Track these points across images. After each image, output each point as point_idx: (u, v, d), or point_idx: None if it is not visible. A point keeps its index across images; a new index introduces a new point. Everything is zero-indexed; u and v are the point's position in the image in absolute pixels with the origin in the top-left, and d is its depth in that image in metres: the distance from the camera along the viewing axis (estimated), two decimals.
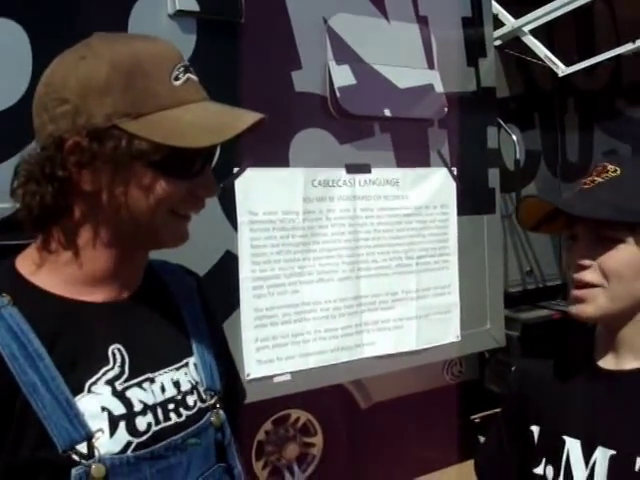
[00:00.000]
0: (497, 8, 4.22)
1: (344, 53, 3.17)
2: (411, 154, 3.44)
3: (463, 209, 3.61)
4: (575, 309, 1.11)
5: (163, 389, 0.97)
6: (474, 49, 3.71)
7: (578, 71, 4.39)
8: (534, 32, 4.30)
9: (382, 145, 3.34)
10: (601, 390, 1.13)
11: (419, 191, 3.45)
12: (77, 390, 0.89)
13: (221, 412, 1.04)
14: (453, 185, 3.58)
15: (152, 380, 0.97)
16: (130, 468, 0.90)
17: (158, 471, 0.93)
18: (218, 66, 2.72)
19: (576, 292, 1.11)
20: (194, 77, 0.94)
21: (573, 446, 1.13)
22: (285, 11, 3.00)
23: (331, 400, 3.64)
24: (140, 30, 2.49)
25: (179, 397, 0.99)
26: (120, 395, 0.92)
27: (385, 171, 3.35)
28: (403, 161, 3.41)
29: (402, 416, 3.97)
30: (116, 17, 2.51)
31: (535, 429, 1.20)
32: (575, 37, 4.81)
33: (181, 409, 0.98)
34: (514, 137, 4.24)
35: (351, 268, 3.24)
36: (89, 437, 0.88)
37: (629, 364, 1.13)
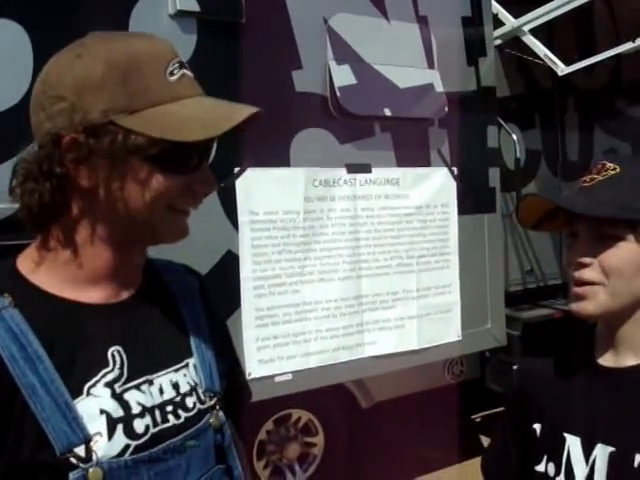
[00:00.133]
0: (497, 7, 4.22)
1: (344, 53, 3.17)
2: (411, 154, 3.45)
3: (464, 208, 3.61)
4: (576, 306, 1.11)
5: (161, 391, 0.97)
6: (474, 49, 3.71)
7: (578, 70, 4.39)
8: (534, 31, 4.30)
9: (382, 145, 3.34)
10: (601, 387, 1.14)
11: (419, 190, 3.46)
12: (76, 393, 0.89)
13: (220, 413, 1.04)
14: (453, 184, 3.58)
15: (151, 382, 0.96)
16: (128, 471, 0.90)
17: (157, 474, 0.92)
18: (219, 66, 2.73)
19: (576, 289, 1.11)
20: (189, 73, 0.95)
21: (573, 443, 1.14)
22: (285, 11, 3.00)
23: (332, 400, 3.64)
24: (141, 30, 2.49)
25: (178, 399, 0.99)
26: (119, 397, 0.92)
27: (385, 171, 3.35)
28: (403, 161, 3.41)
29: (403, 415, 3.98)
30: (117, 17, 2.52)
31: (537, 427, 1.21)
32: (575, 36, 4.81)
33: (180, 411, 0.98)
34: (514, 136, 4.24)
35: (352, 267, 3.24)
36: (87, 440, 0.87)
37: (628, 361, 1.13)
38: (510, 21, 4.29)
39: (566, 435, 1.15)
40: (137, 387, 0.94)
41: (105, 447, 0.88)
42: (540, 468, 1.18)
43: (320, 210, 3.13)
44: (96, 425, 0.89)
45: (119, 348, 0.95)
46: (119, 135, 0.87)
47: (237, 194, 2.88)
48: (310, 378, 3.13)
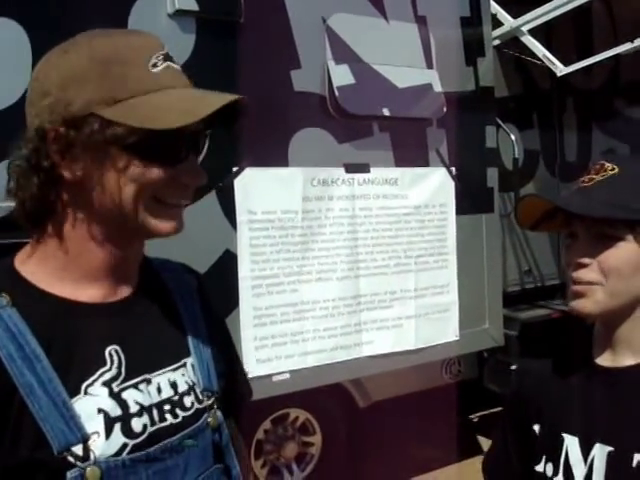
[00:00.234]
0: (496, 8, 4.22)
1: (343, 53, 3.17)
2: (410, 153, 3.45)
3: (462, 208, 3.61)
4: (575, 304, 1.11)
5: (159, 390, 0.97)
6: (473, 49, 3.72)
7: (577, 71, 4.40)
8: (533, 32, 4.30)
9: (381, 144, 3.34)
10: (599, 387, 1.14)
11: (418, 190, 3.46)
12: (74, 392, 0.89)
13: (218, 413, 1.04)
14: (452, 184, 3.59)
15: (149, 381, 0.96)
16: (126, 471, 0.89)
17: (155, 473, 0.92)
18: (217, 65, 2.72)
19: (575, 287, 1.11)
20: (175, 65, 0.94)
21: (572, 443, 1.14)
22: (284, 11, 3.00)
23: (330, 399, 3.64)
24: (139, 29, 2.49)
25: (176, 398, 0.98)
26: (116, 397, 0.92)
27: (384, 170, 3.35)
28: (402, 160, 3.41)
29: (401, 415, 3.98)
30: (116, 16, 2.52)
31: (536, 428, 1.21)
32: (573, 37, 4.82)
33: (177, 410, 0.98)
34: (513, 137, 4.25)
35: (350, 267, 3.24)
36: (85, 439, 0.87)
37: (627, 361, 1.13)
38: (509, 21, 4.30)
39: (564, 435, 1.15)
40: (135, 386, 0.94)
41: (103, 446, 0.88)
42: (539, 468, 1.18)
43: (318, 210, 3.14)
44: (94, 424, 0.89)
45: (117, 347, 0.94)
46: (98, 125, 0.87)
47: (235, 193, 2.88)
48: (308, 377, 3.14)
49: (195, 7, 2.73)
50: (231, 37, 2.85)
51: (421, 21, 3.45)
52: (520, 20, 4.25)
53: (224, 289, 2.82)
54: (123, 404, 0.92)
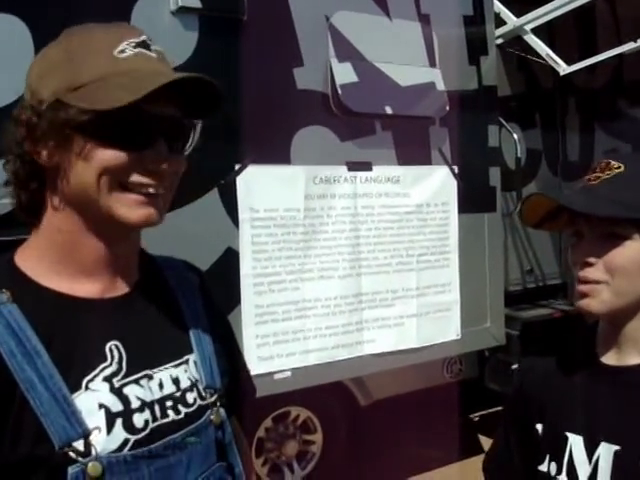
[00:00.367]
0: (499, 6, 4.21)
1: (346, 51, 3.17)
2: (412, 152, 3.44)
3: (464, 207, 3.61)
4: (582, 303, 1.11)
5: (161, 386, 0.97)
6: (476, 47, 3.71)
7: (579, 70, 4.38)
8: (536, 31, 4.29)
9: (383, 143, 3.34)
10: (603, 386, 1.13)
11: (420, 189, 3.46)
12: (75, 387, 0.89)
13: (221, 410, 1.04)
14: (454, 183, 3.58)
15: (150, 377, 0.96)
16: (128, 467, 0.89)
17: (157, 470, 0.92)
18: (220, 63, 2.72)
19: (581, 287, 1.11)
20: (149, 53, 0.93)
21: (576, 442, 1.13)
22: (287, 8, 3.00)
23: (331, 397, 3.64)
24: (142, 27, 2.48)
25: (178, 394, 0.98)
26: (117, 392, 0.92)
27: (386, 169, 3.35)
28: (404, 159, 3.41)
29: (402, 414, 3.98)
30: (118, 14, 2.51)
31: (539, 427, 1.20)
32: (576, 36, 4.81)
33: (180, 406, 0.98)
34: (515, 136, 4.24)
35: (352, 265, 3.24)
36: (86, 434, 0.87)
37: (632, 359, 1.13)
38: (512, 20, 4.29)
39: (568, 434, 1.15)
40: (136, 382, 0.94)
41: (104, 441, 0.88)
42: (543, 468, 1.18)
43: (320, 208, 3.13)
44: (95, 419, 0.89)
45: (117, 343, 0.95)
46: (60, 111, 0.88)
47: (238, 191, 2.87)
48: (309, 376, 3.13)
49: (198, 4, 2.72)
50: (234, 34, 2.85)
51: (424, 19, 3.45)
52: (523, 19, 4.24)
53: (226, 287, 2.82)
54: (124, 399, 0.92)
